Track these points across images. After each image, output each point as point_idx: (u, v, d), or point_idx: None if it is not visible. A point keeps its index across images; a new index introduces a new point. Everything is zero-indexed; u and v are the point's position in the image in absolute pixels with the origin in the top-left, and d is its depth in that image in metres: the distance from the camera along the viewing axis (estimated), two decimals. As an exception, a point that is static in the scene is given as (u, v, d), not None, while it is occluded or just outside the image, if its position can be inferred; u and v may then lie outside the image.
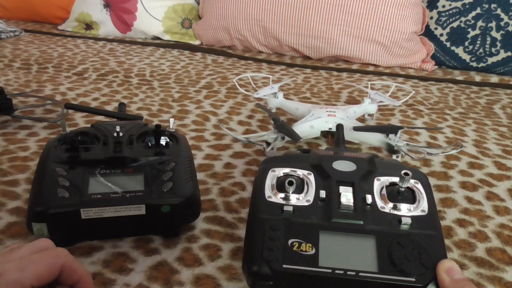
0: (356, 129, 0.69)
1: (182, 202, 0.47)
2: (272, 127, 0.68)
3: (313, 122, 0.72)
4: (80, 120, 0.80)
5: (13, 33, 1.43)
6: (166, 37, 1.49)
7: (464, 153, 0.74)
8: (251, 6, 1.33)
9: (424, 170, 0.67)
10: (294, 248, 0.37)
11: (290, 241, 0.37)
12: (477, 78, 1.22)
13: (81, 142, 0.52)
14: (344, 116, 0.73)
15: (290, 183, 0.40)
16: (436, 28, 1.31)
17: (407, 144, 0.67)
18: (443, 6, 1.30)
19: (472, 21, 1.26)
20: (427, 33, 1.33)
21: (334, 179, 0.41)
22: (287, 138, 0.68)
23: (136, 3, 1.47)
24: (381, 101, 0.85)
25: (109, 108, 0.87)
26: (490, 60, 1.26)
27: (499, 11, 1.24)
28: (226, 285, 0.43)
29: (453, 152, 0.66)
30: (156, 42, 1.43)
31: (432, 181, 0.64)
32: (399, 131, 0.67)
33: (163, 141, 0.54)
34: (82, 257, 0.46)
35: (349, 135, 0.72)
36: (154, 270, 0.45)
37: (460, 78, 1.21)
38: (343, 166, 0.43)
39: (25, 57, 1.19)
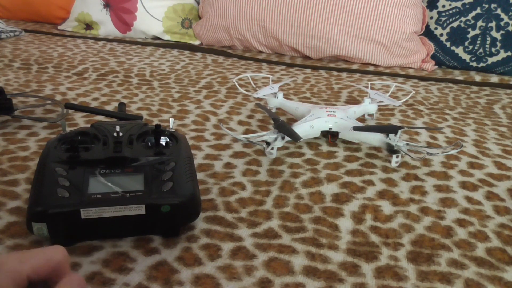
0: (356, 129, 0.69)
1: (182, 202, 0.47)
2: (272, 127, 0.68)
3: (313, 122, 0.72)
4: (80, 120, 0.80)
5: (13, 33, 1.43)
6: (166, 37, 1.49)
7: (464, 153, 0.74)
8: (251, 6, 1.33)
9: (424, 170, 0.67)
10: None
11: None
12: (477, 78, 1.22)
13: (81, 142, 0.52)
14: (344, 116, 0.73)
15: None
16: (436, 28, 1.31)
17: (407, 144, 0.67)
18: (443, 6, 1.30)
19: (472, 21, 1.26)
20: (427, 33, 1.33)
21: None
22: (287, 138, 0.68)
23: (136, 3, 1.47)
24: (381, 101, 0.85)
25: (109, 108, 0.87)
26: (490, 60, 1.26)
27: (499, 11, 1.24)
28: (226, 285, 0.43)
29: (453, 152, 0.66)
30: (156, 42, 1.43)
31: (432, 181, 0.64)
32: (399, 131, 0.67)
33: (163, 141, 0.54)
34: (82, 257, 0.46)
35: (349, 135, 0.72)
36: (153, 270, 0.45)
37: (460, 78, 1.21)
38: None
39: (25, 57, 1.19)
